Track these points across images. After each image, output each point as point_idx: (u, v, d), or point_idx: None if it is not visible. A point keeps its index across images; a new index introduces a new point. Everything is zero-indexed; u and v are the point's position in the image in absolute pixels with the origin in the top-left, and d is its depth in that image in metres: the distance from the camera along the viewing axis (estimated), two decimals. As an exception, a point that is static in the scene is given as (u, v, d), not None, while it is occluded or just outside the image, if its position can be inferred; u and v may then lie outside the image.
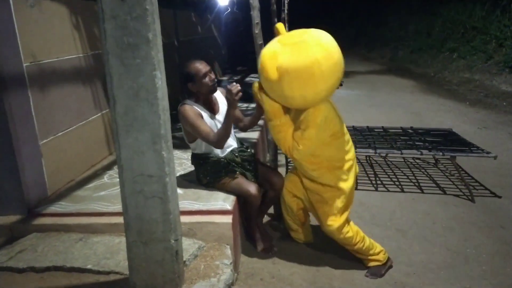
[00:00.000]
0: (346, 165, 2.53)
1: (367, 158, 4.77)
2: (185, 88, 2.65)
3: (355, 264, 2.72)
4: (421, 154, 3.77)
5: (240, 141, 2.96)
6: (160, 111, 1.67)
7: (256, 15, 2.92)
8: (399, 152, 3.82)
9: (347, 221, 2.63)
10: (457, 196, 3.80)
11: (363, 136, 4.36)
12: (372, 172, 4.38)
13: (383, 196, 3.85)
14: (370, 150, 3.87)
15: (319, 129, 2.35)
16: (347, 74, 10.65)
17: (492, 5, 11.09)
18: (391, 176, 4.28)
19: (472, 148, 3.86)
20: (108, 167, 3.34)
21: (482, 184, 4.01)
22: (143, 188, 1.77)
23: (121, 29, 1.59)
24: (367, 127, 4.72)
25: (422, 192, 3.89)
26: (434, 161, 4.63)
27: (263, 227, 3.01)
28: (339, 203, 2.53)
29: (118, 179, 2.10)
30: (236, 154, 2.76)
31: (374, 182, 4.13)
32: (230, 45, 9.14)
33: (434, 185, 4.05)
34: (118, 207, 2.49)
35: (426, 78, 10.60)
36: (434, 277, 2.62)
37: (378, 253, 2.68)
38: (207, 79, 2.58)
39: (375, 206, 3.65)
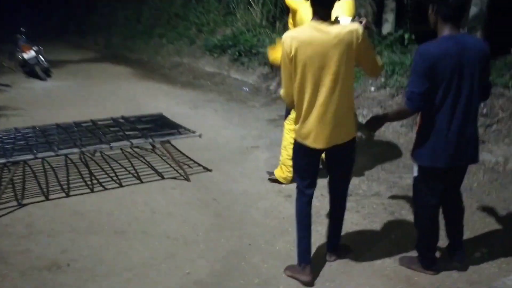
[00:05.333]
0: None
1: (81, 158, 4.26)
2: None
3: None
4: (131, 144, 3.59)
5: None
6: None
7: None
8: (108, 146, 3.52)
9: None
10: (175, 178, 3.85)
11: (68, 134, 3.82)
12: (87, 172, 3.93)
13: (101, 197, 3.49)
14: (76, 149, 3.41)
15: None
16: (56, 64, 9.52)
17: (187, -7, 12.12)
18: (108, 172, 3.94)
19: (180, 130, 3.96)
20: None
21: (196, 161, 4.22)
22: None
23: None
24: (74, 122, 4.18)
25: (142, 182, 3.75)
26: (151, 148, 4.58)
27: None
28: None
29: None
30: None
31: (89, 183, 3.70)
32: None
33: (152, 172, 3.98)
34: None
35: (141, 64, 10.68)
36: (155, 274, 2.49)
37: None
38: None
39: (92, 211, 3.25)
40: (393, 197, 3.37)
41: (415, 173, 2.34)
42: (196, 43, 10.19)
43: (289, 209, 3.23)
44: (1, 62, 9.75)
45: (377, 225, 2.98)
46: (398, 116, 2.50)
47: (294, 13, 3.12)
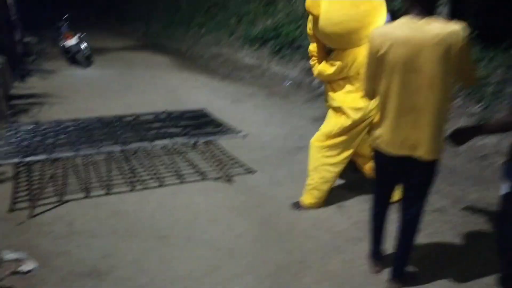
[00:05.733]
0: None
1: (123, 152, 4.15)
2: None
3: None
4: (174, 143, 3.44)
5: None
6: None
7: None
8: (150, 145, 3.37)
9: None
10: (216, 179, 3.66)
11: (110, 129, 3.71)
12: (128, 168, 3.81)
13: (142, 196, 3.35)
14: (117, 147, 3.27)
15: None
16: (97, 51, 9.56)
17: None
18: (149, 170, 3.81)
19: (223, 129, 3.76)
20: None
21: (238, 161, 4.03)
22: None
23: None
24: (116, 117, 4.06)
25: (183, 182, 3.59)
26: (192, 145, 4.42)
27: None
28: None
29: None
30: None
31: (130, 180, 3.58)
32: None
33: (193, 171, 3.81)
34: None
35: (180, 54, 10.59)
36: (198, 290, 2.32)
37: None
38: None
39: (133, 211, 3.12)
40: (460, 214, 3.04)
41: (506, 190, 2.02)
42: (236, 34, 9.97)
43: (343, 222, 2.98)
44: (44, 49, 9.91)
45: (442, 248, 2.68)
46: (501, 127, 2.02)
47: (316, 19, 2.75)
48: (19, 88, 6.70)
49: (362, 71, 2.25)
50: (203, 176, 3.71)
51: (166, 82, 7.40)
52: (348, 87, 2.86)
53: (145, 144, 3.35)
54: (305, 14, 8.20)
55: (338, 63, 2.79)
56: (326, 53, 2.95)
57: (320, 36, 2.84)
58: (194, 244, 2.72)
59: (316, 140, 3.04)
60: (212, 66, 9.04)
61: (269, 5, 9.82)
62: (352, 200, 3.28)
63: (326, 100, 3.13)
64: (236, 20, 10.31)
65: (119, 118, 3.99)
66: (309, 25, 2.93)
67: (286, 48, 8.04)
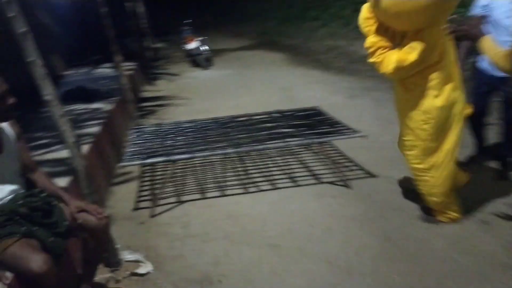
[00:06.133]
0: None
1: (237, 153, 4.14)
2: None
3: None
4: (286, 144, 3.26)
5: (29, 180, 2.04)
6: None
7: None
8: (263, 147, 3.25)
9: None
10: (332, 183, 3.38)
11: (224, 130, 3.69)
12: (242, 170, 3.77)
13: (255, 199, 3.25)
14: (231, 149, 3.22)
15: None
16: (217, 52, 9.97)
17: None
18: (263, 170, 3.71)
19: (339, 128, 3.45)
20: None
21: (356, 163, 3.68)
22: None
23: None
24: (230, 117, 4.05)
25: (297, 186, 3.40)
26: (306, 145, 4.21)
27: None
28: None
29: None
30: (20, 202, 1.85)
31: (243, 182, 3.52)
32: (83, 33, 7.69)
33: (308, 173, 3.59)
34: None
35: (294, 49, 10.45)
36: (314, 312, 2.09)
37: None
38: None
39: (246, 215, 3.03)
40: None
41: None
42: (351, 25, 9.45)
43: (488, 243, 2.45)
44: (171, 54, 10.72)
45: None
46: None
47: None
48: (148, 91, 7.30)
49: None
50: (317, 179, 3.47)
51: (281, 79, 7.31)
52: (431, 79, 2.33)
53: (258, 145, 3.24)
54: None
55: (419, 45, 2.20)
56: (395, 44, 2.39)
57: (386, 18, 2.28)
58: (308, 256, 2.50)
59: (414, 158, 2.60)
60: (327, 60, 8.69)
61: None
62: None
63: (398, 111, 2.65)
64: (353, 10, 9.77)
65: (233, 119, 3.96)
66: (364, 13, 2.41)
67: (410, 35, 7.28)
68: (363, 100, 5.59)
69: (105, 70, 6.76)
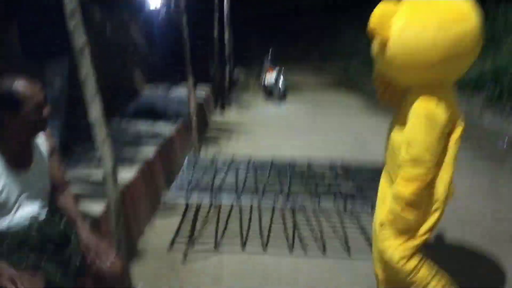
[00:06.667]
0: None
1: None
2: None
3: None
4: (337, 206, 2.89)
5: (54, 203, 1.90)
6: None
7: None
8: (317, 201, 2.90)
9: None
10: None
11: (279, 176, 3.40)
12: (291, 223, 3.42)
13: (298, 264, 2.88)
14: (280, 201, 2.91)
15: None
16: (294, 86, 9.81)
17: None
18: (312, 229, 3.33)
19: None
20: None
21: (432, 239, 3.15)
22: None
23: None
24: (289, 163, 3.73)
25: (349, 256, 2.97)
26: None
27: None
28: None
29: None
30: (35, 232, 1.71)
31: (290, 239, 3.17)
32: (169, 51, 8.02)
33: (362, 241, 3.14)
34: None
35: (374, 94, 9.92)
36: None
37: None
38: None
39: (286, 281, 2.67)
40: None
41: None
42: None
43: None
44: (248, 82, 10.78)
45: None
46: None
47: (383, 44, 1.82)
48: (217, 118, 7.29)
49: None
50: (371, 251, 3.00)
51: (355, 124, 6.89)
52: None
53: (312, 200, 2.89)
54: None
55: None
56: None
57: (387, 68, 1.93)
58: None
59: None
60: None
61: (490, 45, 8.30)
62: None
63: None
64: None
65: (292, 165, 3.65)
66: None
67: (509, 96, 6.49)
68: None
69: (182, 90, 6.88)
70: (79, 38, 1.86)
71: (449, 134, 1.80)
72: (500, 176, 4.60)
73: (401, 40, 1.74)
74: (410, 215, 1.80)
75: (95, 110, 1.96)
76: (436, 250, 3.07)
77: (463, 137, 1.84)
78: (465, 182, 4.45)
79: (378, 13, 1.79)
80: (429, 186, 1.81)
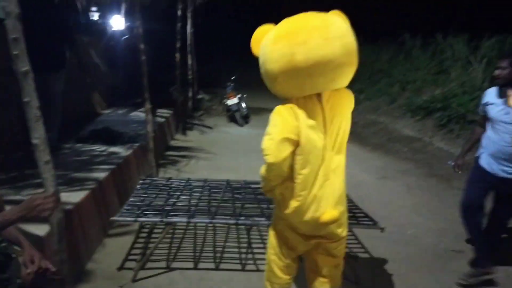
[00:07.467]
0: None
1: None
2: None
3: None
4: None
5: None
6: None
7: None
8: (268, 222, 2.96)
9: None
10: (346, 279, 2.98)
11: (234, 196, 3.46)
12: (246, 239, 3.46)
13: (251, 279, 2.92)
14: (232, 221, 2.96)
15: None
16: (255, 111, 9.99)
17: (396, 49, 11.34)
18: (266, 246, 3.38)
19: (358, 217, 3.11)
20: None
21: (371, 258, 3.28)
22: None
23: None
24: (244, 182, 3.81)
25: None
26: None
27: None
28: None
29: None
30: None
31: (243, 257, 3.20)
32: (128, 75, 8.02)
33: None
34: None
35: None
36: None
37: None
38: None
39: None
40: None
41: None
42: (397, 102, 9.23)
43: None
44: (212, 106, 10.87)
45: None
46: None
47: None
48: (179, 140, 7.30)
49: None
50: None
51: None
52: None
53: (262, 221, 2.96)
54: (483, 85, 7.08)
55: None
56: None
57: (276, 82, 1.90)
58: None
59: None
60: (364, 134, 8.41)
61: (440, 73, 8.88)
62: None
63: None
64: (400, 87, 9.61)
65: (247, 185, 3.73)
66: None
67: (455, 121, 6.94)
68: (394, 184, 5.20)
69: (141, 114, 6.87)
70: (23, 64, 1.88)
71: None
72: (446, 193, 4.86)
73: (261, 56, 1.86)
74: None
75: (37, 133, 1.96)
76: (379, 265, 3.21)
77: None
78: (414, 199, 4.69)
79: (256, 33, 1.91)
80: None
